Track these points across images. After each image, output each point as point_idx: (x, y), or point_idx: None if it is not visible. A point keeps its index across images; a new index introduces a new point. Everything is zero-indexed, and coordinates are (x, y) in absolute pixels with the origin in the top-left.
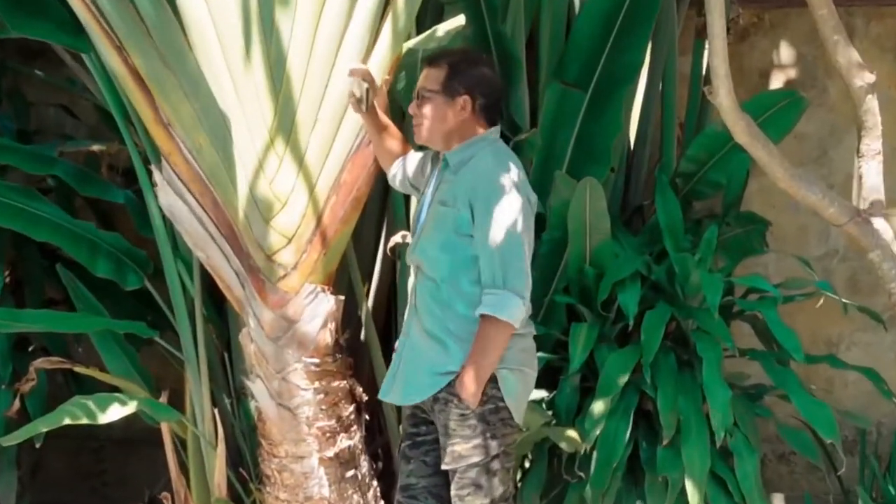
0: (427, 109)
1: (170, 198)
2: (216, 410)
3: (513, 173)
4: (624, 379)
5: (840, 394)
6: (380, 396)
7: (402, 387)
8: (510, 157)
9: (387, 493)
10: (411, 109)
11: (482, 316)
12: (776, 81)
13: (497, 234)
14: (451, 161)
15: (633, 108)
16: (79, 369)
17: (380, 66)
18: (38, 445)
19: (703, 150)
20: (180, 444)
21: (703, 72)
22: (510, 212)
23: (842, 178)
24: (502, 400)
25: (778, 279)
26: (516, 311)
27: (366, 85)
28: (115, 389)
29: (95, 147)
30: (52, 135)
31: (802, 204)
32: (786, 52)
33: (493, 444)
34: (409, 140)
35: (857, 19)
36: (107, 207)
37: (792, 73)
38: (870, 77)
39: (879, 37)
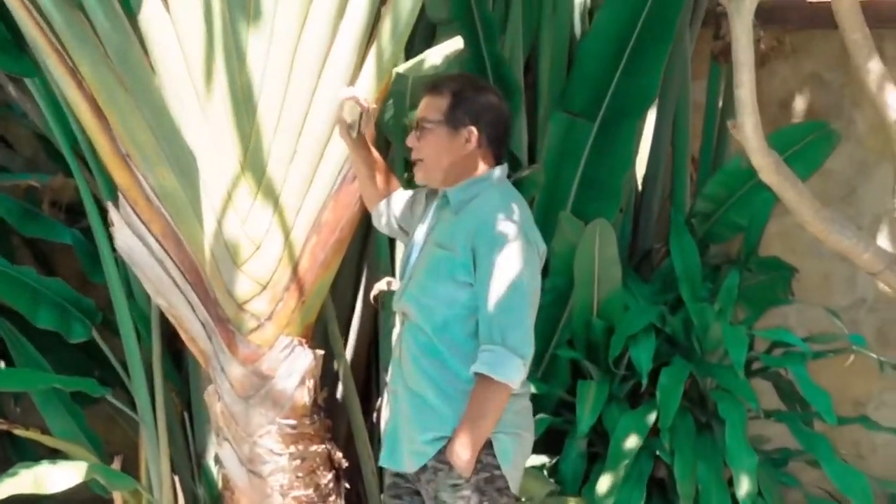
0: (428, 142)
1: (127, 238)
2: (176, 478)
3: (521, 219)
4: (637, 443)
5: (869, 459)
6: (381, 463)
7: (401, 452)
8: (518, 200)
9: None
10: (409, 142)
11: (477, 375)
12: (798, 112)
13: (500, 285)
14: (453, 199)
15: (641, 140)
16: (19, 431)
17: (367, 93)
18: None
19: (721, 187)
20: None
21: (720, 100)
22: (516, 262)
23: (870, 219)
24: (498, 468)
25: (801, 331)
26: (515, 371)
27: (359, 110)
28: (58, 453)
29: (35, 181)
30: None
31: (834, 249)
32: (809, 80)
33: None
34: (397, 176)
35: (886, 43)
36: (47, 249)
37: (816, 103)
38: None
39: None
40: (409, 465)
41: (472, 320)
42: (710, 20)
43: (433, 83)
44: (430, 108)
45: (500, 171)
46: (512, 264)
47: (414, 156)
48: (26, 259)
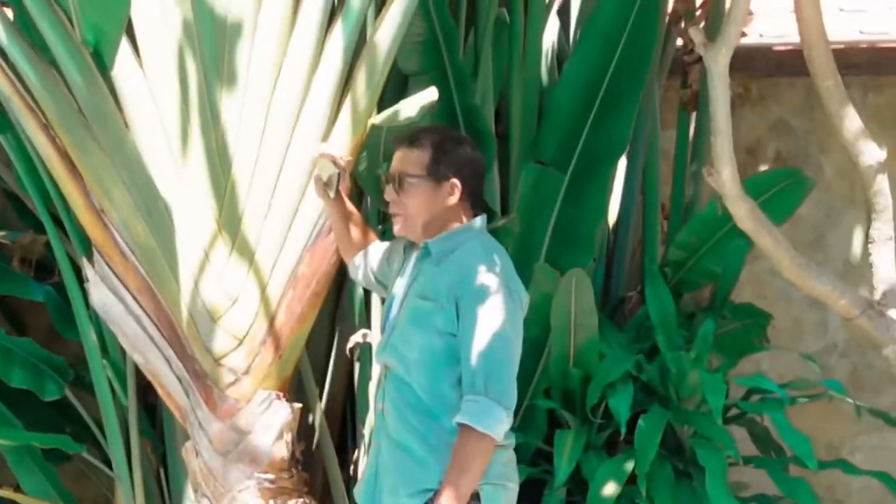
0: (410, 196)
1: (103, 295)
2: None
3: (503, 270)
4: (616, 491)
5: (846, 503)
6: None
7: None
8: (499, 250)
9: None
10: (388, 196)
11: (461, 426)
12: (765, 158)
13: (483, 335)
14: (434, 251)
15: (612, 189)
16: None
17: (342, 146)
18: None
19: (694, 235)
20: None
21: (689, 148)
22: (499, 312)
23: (840, 265)
24: None
25: (774, 377)
26: (498, 423)
27: (336, 170)
28: None
29: (5, 238)
30: None
31: (810, 295)
32: (776, 126)
33: None
34: (372, 228)
35: (853, 90)
36: (15, 306)
37: (783, 149)
38: (880, 154)
39: (879, 109)
40: None
41: (456, 371)
42: (678, 69)
43: (409, 136)
44: (410, 162)
45: (480, 222)
46: (495, 315)
47: (393, 210)
48: None
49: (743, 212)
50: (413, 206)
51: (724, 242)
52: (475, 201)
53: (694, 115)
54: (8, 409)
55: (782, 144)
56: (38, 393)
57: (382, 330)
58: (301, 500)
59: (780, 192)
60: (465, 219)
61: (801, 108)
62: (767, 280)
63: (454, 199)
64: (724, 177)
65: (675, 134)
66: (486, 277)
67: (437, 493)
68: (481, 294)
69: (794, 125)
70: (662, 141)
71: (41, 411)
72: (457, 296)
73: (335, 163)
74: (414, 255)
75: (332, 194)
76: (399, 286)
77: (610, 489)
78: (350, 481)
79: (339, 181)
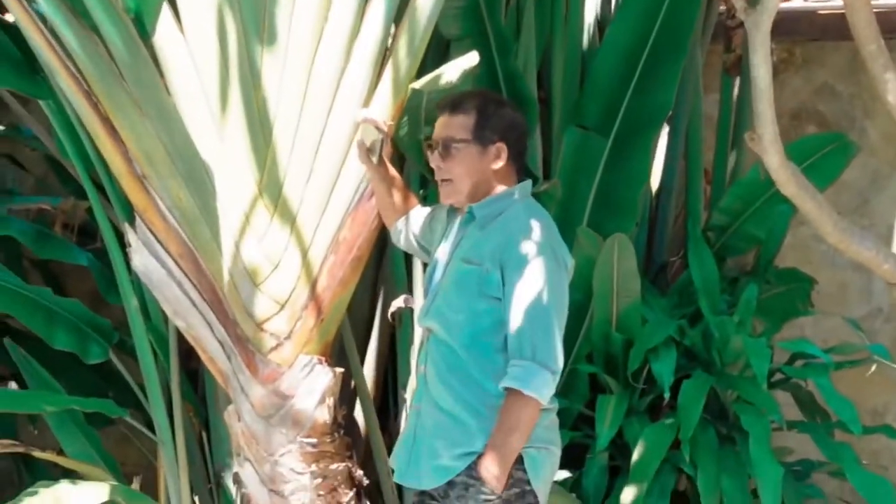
0: (457, 162)
1: (145, 260)
2: (196, 498)
3: (549, 235)
4: (659, 456)
5: (891, 469)
6: (395, 479)
7: (420, 468)
8: (543, 215)
9: None
10: (434, 163)
11: (507, 390)
12: (810, 123)
13: (528, 299)
14: (478, 215)
15: (654, 154)
16: (36, 453)
17: (383, 111)
18: None
19: (738, 200)
20: None
21: (732, 113)
22: (544, 276)
23: (884, 230)
24: (529, 483)
25: (817, 342)
26: (545, 386)
27: (379, 135)
28: (71, 475)
29: (47, 205)
30: None
31: (853, 260)
32: (820, 91)
33: None
34: (415, 192)
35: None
36: (58, 271)
37: (827, 114)
38: None
39: None
40: (429, 482)
41: (500, 335)
42: (721, 33)
43: (452, 102)
44: (455, 127)
45: (524, 187)
46: (540, 279)
47: (440, 176)
48: (38, 281)
49: (785, 177)
50: (460, 171)
51: (767, 207)
52: (520, 164)
53: (738, 79)
54: (50, 373)
55: (827, 109)
56: (81, 355)
57: (425, 295)
58: (343, 464)
59: (823, 157)
60: (510, 182)
61: (846, 73)
62: (812, 245)
63: (501, 163)
64: (766, 142)
65: (719, 98)
66: (532, 241)
67: (481, 455)
68: (526, 258)
69: (838, 89)
70: (706, 105)
71: (83, 376)
72: (501, 260)
73: (378, 128)
74: (458, 220)
75: (375, 159)
76: (443, 251)
77: (653, 454)
78: (392, 445)
79: (382, 146)
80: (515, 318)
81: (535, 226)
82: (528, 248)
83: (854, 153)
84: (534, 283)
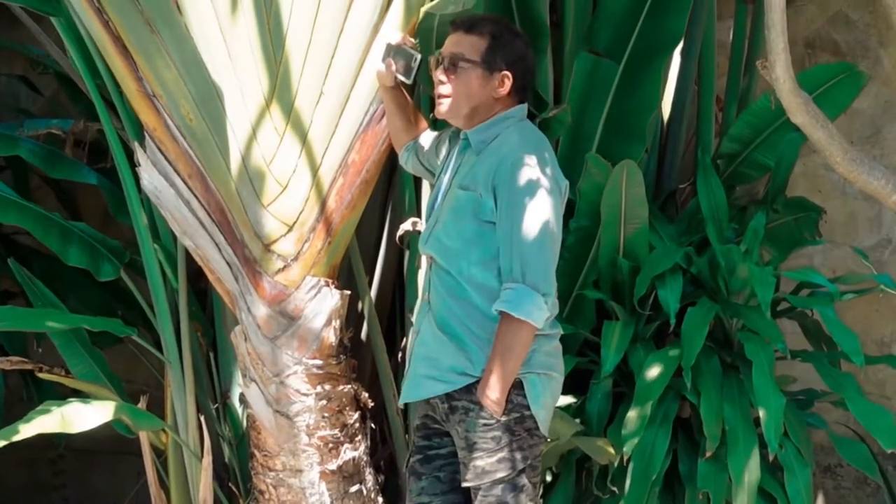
0: (461, 81)
1: (154, 179)
2: (202, 417)
3: (542, 156)
4: (663, 383)
5: (895, 399)
6: (400, 401)
7: (414, 384)
8: (538, 137)
9: None
10: (438, 76)
11: (500, 314)
12: (823, 51)
13: (520, 222)
14: (473, 140)
15: (666, 80)
16: (43, 374)
17: (395, 33)
18: None
19: (748, 128)
20: (157, 456)
21: (746, 40)
22: (537, 198)
23: None
24: (528, 408)
25: (826, 272)
26: (535, 309)
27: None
28: (78, 394)
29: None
30: (3, 107)
31: (862, 190)
32: (835, 19)
33: (519, 457)
34: (425, 116)
35: None
36: (69, 189)
37: (842, 43)
38: None
39: None
40: (428, 390)
41: (498, 260)
42: None
43: (469, 22)
44: (466, 46)
45: (519, 110)
46: (532, 201)
47: (441, 91)
48: (48, 198)
49: (795, 105)
50: (462, 90)
51: (778, 135)
52: (521, 98)
53: (752, 6)
54: (60, 291)
55: (841, 38)
56: (93, 273)
57: (427, 221)
58: (349, 386)
59: (834, 86)
60: (507, 110)
61: (861, 1)
62: (822, 174)
63: (503, 91)
64: (778, 70)
65: (733, 25)
66: (524, 165)
67: (480, 379)
68: (518, 181)
69: (853, 18)
70: (720, 32)
71: (93, 294)
72: (494, 184)
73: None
74: (457, 147)
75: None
76: (444, 177)
77: (657, 381)
78: (398, 368)
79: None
80: (507, 241)
81: (528, 148)
82: (520, 170)
83: (865, 83)
84: (526, 206)
